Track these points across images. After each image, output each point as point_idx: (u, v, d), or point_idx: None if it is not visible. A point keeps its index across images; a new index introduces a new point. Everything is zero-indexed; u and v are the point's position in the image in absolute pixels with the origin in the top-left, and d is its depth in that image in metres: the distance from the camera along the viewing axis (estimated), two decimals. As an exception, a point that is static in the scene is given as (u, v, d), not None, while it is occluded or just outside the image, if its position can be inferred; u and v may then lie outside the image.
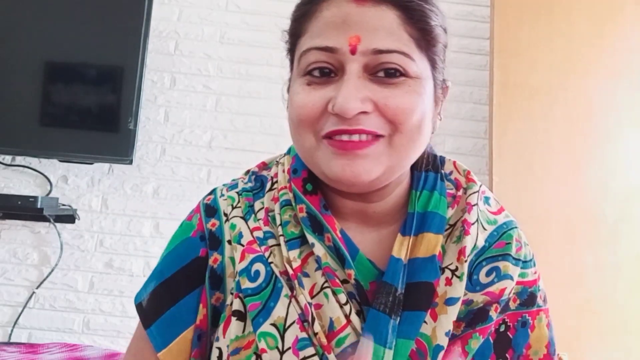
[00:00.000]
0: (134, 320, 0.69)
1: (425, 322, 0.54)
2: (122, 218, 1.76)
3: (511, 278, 0.58)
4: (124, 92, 1.68)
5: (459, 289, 0.55)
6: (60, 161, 1.74)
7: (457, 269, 0.56)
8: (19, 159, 1.76)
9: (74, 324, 1.70)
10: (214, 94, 1.83)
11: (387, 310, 0.53)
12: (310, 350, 0.52)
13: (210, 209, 0.63)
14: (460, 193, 0.62)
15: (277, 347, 0.53)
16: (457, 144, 1.83)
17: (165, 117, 1.82)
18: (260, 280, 0.56)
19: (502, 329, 0.58)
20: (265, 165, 0.69)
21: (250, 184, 0.65)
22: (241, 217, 0.61)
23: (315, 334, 0.53)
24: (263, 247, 0.58)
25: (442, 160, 0.66)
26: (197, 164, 1.80)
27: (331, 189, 0.59)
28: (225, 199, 0.63)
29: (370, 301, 0.55)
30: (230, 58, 1.84)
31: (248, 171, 0.68)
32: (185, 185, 1.78)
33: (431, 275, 0.55)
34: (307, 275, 0.56)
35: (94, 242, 1.74)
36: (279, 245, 0.58)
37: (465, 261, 0.56)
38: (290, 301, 0.55)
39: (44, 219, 1.67)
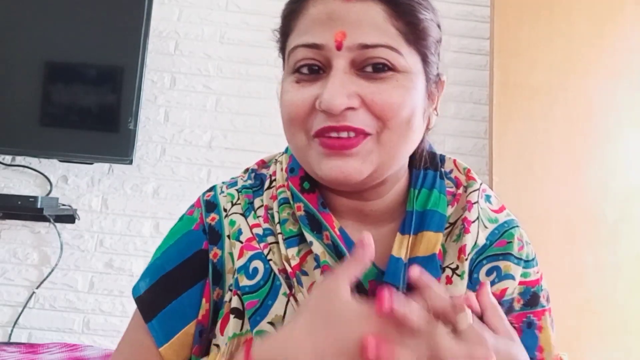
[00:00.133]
0: (134, 320, 0.69)
1: None
2: (122, 218, 1.76)
3: (512, 278, 0.57)
4: (124, 92, 1.68)
5: (460, 287, 0.55)
6: (60, 161, 1.74)
7: (457, 267, 0.56)
8: (19, 159, 1.76)
9: (74, 324, 1.70)
10: (214, 94, 1.83)
11: None
12: None
13: (210, 205, 0.63)
14: (460, 191, 0.61)
15: None
16: (457, 144, 1.83)
17: (165, 117, 1.82)
18: (259, 277, 0.56)
19: None
20: (264, 164, 0.69)
21: (249, 182, 0.65)
22: (241, 214, 0.61)
23: None
24: (262, 244, 0.58)
25: (442, 158, 0.65)
26: (197, 164, 1.80)
27: (328, 187, 0.59)
28: (225, 196, 0.63)
29: (369, 300, 0.55)
30: (230, 58, 1.85)
31: (247, 169, 0.68)
32: (185, 185, 1.78)
33: (432, 274, 0.55)
34: (305, 273, 0.56)
35: (94, 242, 1.74)
36: (278, 243, 0.58)
37: (466, 259, 0.56)
38: (288, 300, 0.55)
39: (44, 219, 1.67)
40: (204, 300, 0.58)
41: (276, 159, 0.66)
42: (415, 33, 0.53)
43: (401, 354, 0.41)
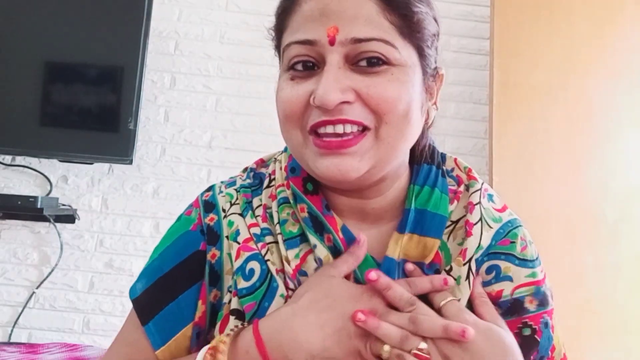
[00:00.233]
0: (134, 320, 0.68)
1: None
2: (122, 218, 1.76)
3: (510, 280, 0.57)
4: (124, 92, 1.68)
5: (456, 292, 0.54)
6: (60, 161, 1.74)
7: (451, 269, 0.55)
8: (19, 159, 1.76)
9: (74, 324, 1.70)
10: (214, 94, 1.83)
11: None
12: None
13: (208, 205, 0.63)
14: (461, 189, 0.61)
15: None
16: (457, 144, 1.83)
17: (165, 117, 1.82)
18: (255, 279, 0.56)
19: (527, 332, 0.56)
20: (263, 163, 0.69)
21: (248, 181, 0.64)
22: (239, 214, 0.60)
23: None
24: (260, 244, 0.57)
25: (443, 157, 0.65)
26: (197, 164, 1.80)
27: (328, 186, 0.59)
28: (224, 196, 0.63)
29: None
30: (230, 58, 1.85)
31: (246, 168, 0.68)
32: (185, 185, 1.78)
33: None
34: (305, 274, 0.55)
35: (94, 242, 1.74)
36: (276, 242, 0.57)
37: (464, 264, 0.55)
38: (286, 301, 0.55)
39: (44, 219, 1.67)
40: (200, 302, 0.58)
41: (275, 158, 0.66)
42: (409, 26, 0.52)
43: (386, 326, 0.49)
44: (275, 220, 0.58)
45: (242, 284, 0.55)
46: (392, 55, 0.51)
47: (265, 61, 1.79)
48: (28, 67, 1.69)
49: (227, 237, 0.59)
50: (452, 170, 0.64)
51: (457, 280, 0.55)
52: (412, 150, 0.61)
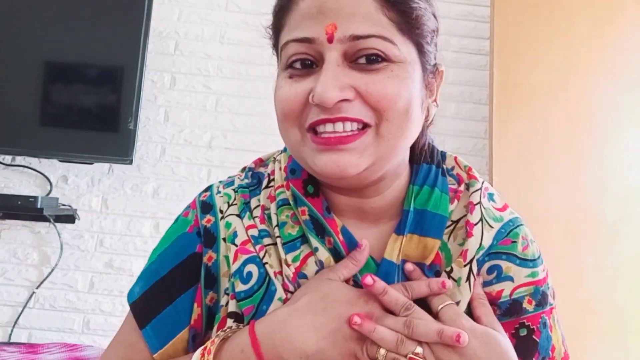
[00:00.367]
0: (134, 320, 0.68)
1: None
2: (122, 218, 1.76)
3: (511, 280, 0.56)
4: (124, 92, 1.68)
5: (456, 293, 0.54)
6: (60, 161, 1.74)
7: (452, 270, 0.55)
8: (19, 159, 1.76)
9: (74, 324, 1.70)
10: (214, 94, 1.83)
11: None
12: None
13: (206, 206, 0.62)
14: (462, 188, 0.60)
15: None
16: (457, 144, 1.83)
17: (165, 117, 1.82)
18: (253, 282, 0.55)
19: (524, 332, 0.55)
20: (261, 162, 0.68)
21: (247, 181, 0.64)
22: (236, 215, 0.60)
23: None
24: (258, 247, 0.57)
25: (443, 155, 0.64)
26: (197, 164, 1.80)
27: (327, 186, 0.58)
28: (222, 196, 0.62)
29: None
30: (230, 58, 1.84)
31: (244, 168, 0.67)
32: (185, 185, 1.78)
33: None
34: (304, 276, 0.55)
35: (94, 242, 1.74)
36: (275, 244, 0.57)
37: (465, 265, 0.54)
38: (284, 304, 0.54)
39: (44, 219, 1.67)
40: (195, 305, 0.58)
41: (274, 158, 0.65)
42: (408, 22, 0.52)
43: (381, 329, 0.49)
44: (274, 223, 0.58)
45: (240, 287, 0.55)
46: (391, 52, 0.50)
47: (265, 61, 1.77)
48: (28, 67, 1.69)
49: (224, 239, 0.59)
50: (453, 169, 0.63)
51: (457, 281, 0.54)
52: (412, 149, 0.60)
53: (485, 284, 0.57)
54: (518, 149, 1.59)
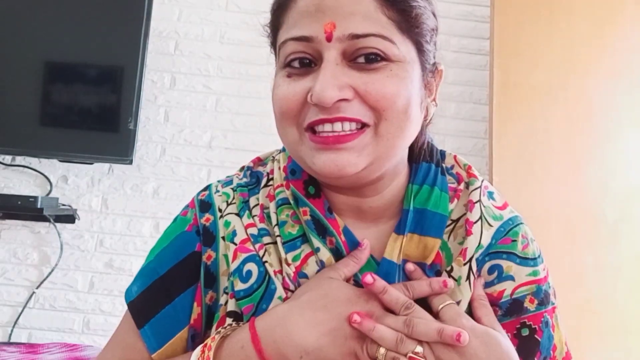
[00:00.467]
0: (134, 320, 0.68)
1: None
2: (122, 218, 1.76)
3: (512, 279, 0.56)
4: (124, 92, 1.68)
5: (457, 292, 0.54)
6: (60, 161, 1.74)
7: (452, 269, 0.54)
8: (19, 159, 1.76)
9: (74, 324, 1.70)
10: (214, 94, 1.83)
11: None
12: None
13: (204, 205, 0.62)
14: (461, 187, 0.60)
15: None
16: (457, 144, 1.83)
17: (165, 117, 1.82)
18: (252, 281, 0.55)
19: (526, 332, 0.55)
20: (260, 161, 0.68)
21: (245, 180, 0.63)
22: (235, 214, 0.59)
23: None
24: (257, 245, 0.56)
25: (443, 154, 0.64)
26: (197, 164, 1.80)
27: (326, 185, 0.58)
28: (220, 195, 0.62)
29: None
30: (230, 58, 1.84)
31: (243, 167, 0.67)
32: (185, 185, 1.78)
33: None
34: (305, 276, 0.55)
35: (94, 242, 1.74)
36: (274, 243, 0.57)
37: (465, 264, 0.54)
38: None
39: (44, 219, 1.67)
40: (195, 304, 0.58)
41: (273, 157, 0.65)
42: (408, 21, 0.51)
43: (381, 328, 0.49)
44: (274, 222, 0.57)
45: (240, 285, 0.55)
46: (390, 51, 0.50)
47: (265, 61, 1.79)
48: (28, 67, 1.69)
49: (223, 237, 0.59)
50: (452, 167, 0.63)
51: (457, 280, 0.54)
52: (411, 148, 0.60)
53: (487, 284, 0.56)
54: (518, 149, 1.59)
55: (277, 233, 0.57)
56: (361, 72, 0.50)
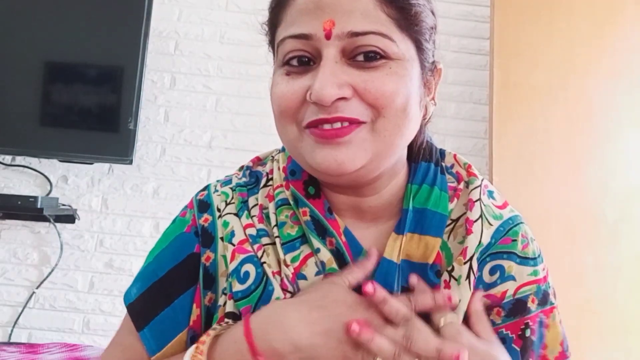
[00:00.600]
0: (134, 320, 0.68)
1: None
2: (122, 218, 1.76)
3: (514, 279, 0.56)
4: (124, 92, 1.68)
5: (458, 292, 0.53)
6: (60, 161, 1.74)
7: (453, 269, 0.54)
8: (19, 159, 1.76)
9: (74, 324, 1.70)
10: (214, 94, 1.83)
11: None
12: None
13: (203, 205, 0.62)
14: (461, 186, 0.59)
15: None
16: (457, 144, 1.83)
17: (165, 117, 1.82)
18: (250, 282, 0.55)
19: (528, 333, 0.55)
20: (259, 161, 0.67)
21: (244, 179, 0.63)
22: (234, 214, 0.59)
23: None
24: (256, 246, 0.56)
25: (442, 153, 0.63)
26: (197, 164, 1.80)
27: (326, 185, 0.58)
28: (219, 195, 0.62)
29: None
30: (230, 58, 1.84)
31: (242, 167, 0.67)
32: (185, 185, 1.78)
33: (428, 280, 0.54)
34: (304, 277, 0.55)
35: (94, 242, 1.74)
36: (273, 244, 0.56)
37: (465, 263, 0.54)
38: None
39: (44, 219, 1.67)
40: (194, 305, 0.57)
41: (272, 157, 0.65)
42: (407, 19, 0.51)
43: (380, 340, 0.48)
44: (273, 222, 0.57)
45: (238, 286, 0.55)
46: (390, 49, 0.50)
47: (265, 61, 1.78)
48: (28, 67, 1.69)
49: (221, 238, 0.58)
50: (452, 166, 0.62)
51: (457, 280, 0.53)
52: (410, 148, 0.60)
53: (490, 285, 0.56)
54: (518, 149, 1.59)
55: (276, 234, 0.57)
56: (360, 70, 0.50)
